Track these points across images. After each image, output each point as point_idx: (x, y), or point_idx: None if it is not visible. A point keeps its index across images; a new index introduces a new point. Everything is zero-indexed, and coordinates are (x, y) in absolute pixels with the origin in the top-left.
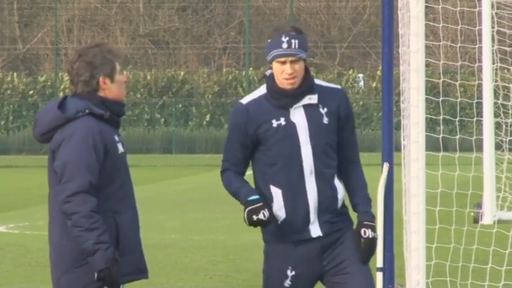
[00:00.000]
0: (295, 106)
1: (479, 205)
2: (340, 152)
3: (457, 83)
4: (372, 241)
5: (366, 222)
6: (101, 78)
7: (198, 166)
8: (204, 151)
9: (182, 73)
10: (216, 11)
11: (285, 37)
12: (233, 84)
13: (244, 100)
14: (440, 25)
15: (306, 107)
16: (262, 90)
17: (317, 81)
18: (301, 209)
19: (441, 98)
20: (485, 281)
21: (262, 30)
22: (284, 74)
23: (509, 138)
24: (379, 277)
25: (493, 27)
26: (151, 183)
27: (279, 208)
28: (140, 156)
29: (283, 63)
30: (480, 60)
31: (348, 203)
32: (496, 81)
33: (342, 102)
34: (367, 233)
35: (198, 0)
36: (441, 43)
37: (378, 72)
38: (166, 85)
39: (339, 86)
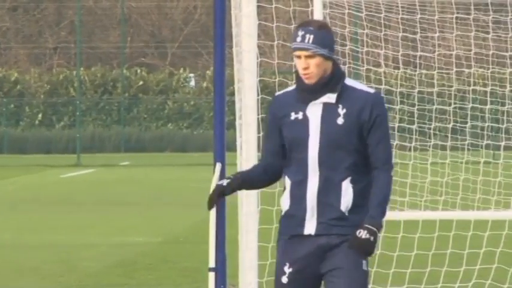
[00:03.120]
0: (313, 102)
1: None
2: (368, 156)
3: (292, 83)
4: (363, 240)
5: (365, 225)
6: None
7: (30, 166)
8: (35, 151)
9: (16, 74)
10: (47, 11)
11: (301, 31)
12: (64, 83)
13: (280, 92)
14: (274, 25)
15: (325, 105)
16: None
17: (351, 82)
18: (301, 203)
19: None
20: None
21: (94, 30)
22: (300, 68)
23: None
24: (211, 277)
25: None
26: None
27: (285, 198)
28: None
29: (298, 57)
30: None
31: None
32: None
33: (367, 106)
34: (361, 233)
35: (29, 0)
36: (275, 43)
37: (208, 72)
38: None
39: (372, 90)
